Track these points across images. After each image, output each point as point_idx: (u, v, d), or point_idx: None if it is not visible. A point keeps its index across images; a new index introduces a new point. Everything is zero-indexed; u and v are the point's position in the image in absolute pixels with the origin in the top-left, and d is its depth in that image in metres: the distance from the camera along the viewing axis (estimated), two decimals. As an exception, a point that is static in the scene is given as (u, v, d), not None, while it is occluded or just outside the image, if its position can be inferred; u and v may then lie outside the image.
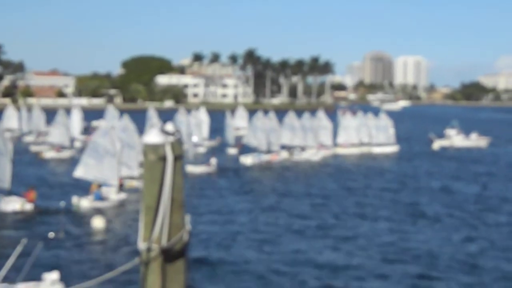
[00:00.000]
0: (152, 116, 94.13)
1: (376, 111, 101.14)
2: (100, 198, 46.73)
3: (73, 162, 63.50)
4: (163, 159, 8.98)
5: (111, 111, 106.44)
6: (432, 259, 33.12)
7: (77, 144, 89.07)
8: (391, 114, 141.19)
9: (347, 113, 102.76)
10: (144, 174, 9.14)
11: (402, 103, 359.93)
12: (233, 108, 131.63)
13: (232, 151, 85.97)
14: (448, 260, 33.00)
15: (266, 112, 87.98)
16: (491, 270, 31.40)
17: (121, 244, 35.46)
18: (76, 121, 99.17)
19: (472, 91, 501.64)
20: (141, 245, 9.16)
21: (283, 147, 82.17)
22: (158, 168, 9.00)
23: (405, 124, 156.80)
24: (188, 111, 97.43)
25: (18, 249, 21.38)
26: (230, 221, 42.46)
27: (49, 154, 79.40)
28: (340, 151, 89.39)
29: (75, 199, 46.03)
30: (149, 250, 9.11)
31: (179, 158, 9.11)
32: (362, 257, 33.61)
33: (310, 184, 60.55)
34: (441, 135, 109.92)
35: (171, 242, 9.13)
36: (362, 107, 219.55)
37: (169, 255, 9.23)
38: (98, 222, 39.17)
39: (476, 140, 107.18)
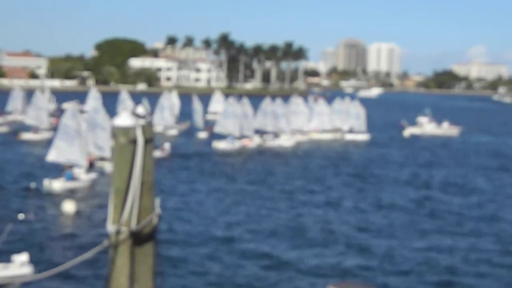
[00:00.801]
0: (125, 98, 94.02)
1: (351, 98, 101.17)
2: (71, 178, 47.02)
3: (50, 144, 63.21)
4: (134, 142, 8.94)
5: (93, 94, 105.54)
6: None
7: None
8: (366, 101, 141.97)
9: (319, 99, 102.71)
10: (114, 157, 9.10)
11: (377, 90, 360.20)
12: (206, 93, 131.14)
13: (202, 135, 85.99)
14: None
15: (239, 97, 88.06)
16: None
17: (90, 226, 35.42)
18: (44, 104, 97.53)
19: (444, 79, 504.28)
20: (110, 227, 9.13)
21: (257, 132, 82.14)
22: (128, 151, 8.95)
23: (379, 111, 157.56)
24: (159, 94, 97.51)
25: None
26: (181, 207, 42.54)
27: (26, 135, 79.05)
28: (313, 136, 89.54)
29: (46, 181, 46.16)
30: (118, 232, 9.08)
31: (149, 141, 9.07)
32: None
33: (270, 171, 60.61)
34: (413, 123, 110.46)
35: (140, 225, 9.10)
36: (335, 93, 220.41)
37: (138, 238, 9.20)
38: (69, 206, 38.97)
39: (447, 129, 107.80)
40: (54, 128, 64.24)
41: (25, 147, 71.57)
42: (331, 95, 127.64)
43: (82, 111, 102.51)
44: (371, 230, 37.05)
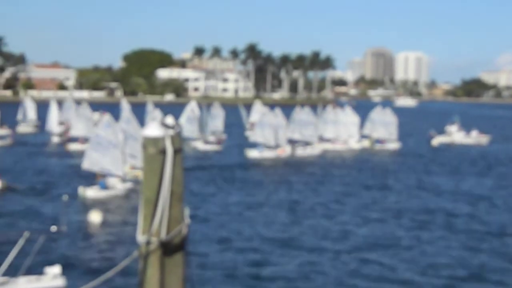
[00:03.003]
0: (151, 110, 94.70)
1: (382, 106, 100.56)
2: (105, 187, 47.79)
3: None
4: (163, 152, 8.97)
5: (125, 106, 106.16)
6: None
7: (55, 140, 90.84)
8: (405, 110, 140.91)
9: (337, 108, 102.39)
10: (143, 167, 9.13)
11: (412, 100, 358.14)
12: (233, 103, 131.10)
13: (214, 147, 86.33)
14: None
15: (271, 107, 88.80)
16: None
17: (121, 236, 35.53)
18: (55, 114, 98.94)
19: (473, 87, 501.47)
20: (140, 238, 9.15)
21: (289, 141, 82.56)
22: (157, 161, 8.97)
23: (418, 120, 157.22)
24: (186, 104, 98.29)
25: (20, 242, 21.38)
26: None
27: (73, 146, 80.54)
28: (343, 145, 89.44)
29: (81, 189, 47.28)
30: (148, 243, 9.09)
31: (178, 151, 9.09)
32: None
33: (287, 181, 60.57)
34: (442, 132, 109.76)
35: (170, 235, 9.11)
36: (362, 102, 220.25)
37: (168, 249, 9.21)
38: (95, 216, 39.24)
39: (476, 138, 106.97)
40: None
41: (71, 157, 72.11)
42: (356, 104, 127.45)
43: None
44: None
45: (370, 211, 45.17)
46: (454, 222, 41.98)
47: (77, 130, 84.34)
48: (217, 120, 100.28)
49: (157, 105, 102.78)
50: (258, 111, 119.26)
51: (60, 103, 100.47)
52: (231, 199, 48.88)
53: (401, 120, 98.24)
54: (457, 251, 34.50)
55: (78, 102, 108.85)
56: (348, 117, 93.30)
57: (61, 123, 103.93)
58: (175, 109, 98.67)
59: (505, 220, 43.16)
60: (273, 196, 50.58)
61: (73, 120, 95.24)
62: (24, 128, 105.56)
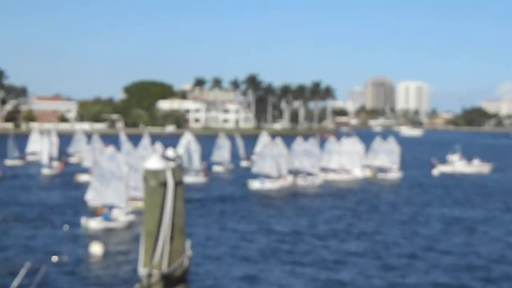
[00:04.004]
0: (146, 142, 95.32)
1: (382, 136, 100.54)
2: (108, 219, 47.74)
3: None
4: (164, 184, 8.98)
5: (123, 138, 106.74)
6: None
7: (45, 172, 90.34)
8: (411, 140, 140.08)
9: (328, 137, 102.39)
10: (144, 200, 9.16)
11: (416, 130, 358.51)
12: (234, 134, 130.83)
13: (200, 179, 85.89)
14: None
15: (272, 137, 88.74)
16: None
17: (123, 269, 35.42)
18: (47, 146, 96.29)
19: (474, 116, 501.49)
20: (142, 270, 9.17)
21: (290, 172, 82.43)
22: (158, 194, 8.99)
23: (422, 149, 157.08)
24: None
25: (21, 273, 21.35)
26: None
27: (82, 177, 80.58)
28: (345, 175, 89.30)
29: (83, 220, 47.18)
30: (149, 275, 9.11)
31: (179, 183, 9.12)
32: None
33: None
34: (444, 161, 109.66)
35: (171, 267, 9.12)
36: (363, 132, 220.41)
37: (169, 281, 9.20)
38: (96, 248, 39.14)
39: (478, 166, 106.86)
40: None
41: (79, 189, 72.05)
42: (355, 134, 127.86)
43: (65, 156, 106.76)
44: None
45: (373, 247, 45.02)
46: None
47: (89, 161, 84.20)
48: (223, 150, 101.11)
49: (158, 137, 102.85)
50: (264, 142, 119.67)
51: (60, 135, 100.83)
52: (234, 233, 48.74)
53: (406, 149, 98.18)
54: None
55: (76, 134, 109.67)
56: (352, 147, 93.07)
57: (71, 155, 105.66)
58: (176, 141, 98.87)
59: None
60: (275, 227, 50.50)
61: (83, 152, 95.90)
62: (12, 161, 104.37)
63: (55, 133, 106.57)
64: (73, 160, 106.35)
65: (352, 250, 42.08)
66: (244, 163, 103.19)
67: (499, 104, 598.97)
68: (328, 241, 45.02)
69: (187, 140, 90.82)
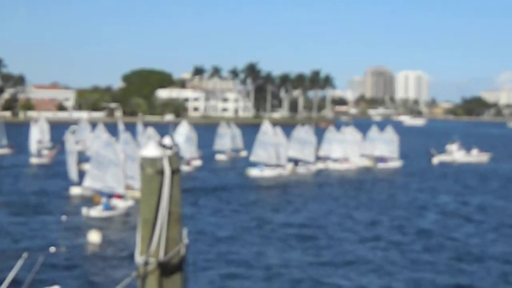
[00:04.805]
0: (140, 131, 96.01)
1: (379, 126, 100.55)
2: (108, 208, 47.98)
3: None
4: (161, 172, 8.98)
5: (121, 127, 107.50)
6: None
7: (34, 161, 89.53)
8: (414, 129, 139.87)
9: (328, 126, 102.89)
10: (141, 187, 9.14)
11: (418, 120, 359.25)
12: (233, 123, 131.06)
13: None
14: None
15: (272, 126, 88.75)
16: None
17: (120, 257, 35.54)
18: (35, 135, 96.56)
19: (473, 106, 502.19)
20: (138, 258, 9.15)
21: (290, 160, 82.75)
22: (155, 182, 8.98)
23: (424, 139, 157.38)
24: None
25: (19, 263, 21.35)
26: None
27: (87, 166, 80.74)
28: (344, 164, 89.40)
29: (84, 209, 47.49)
30: (146, 264, 9.10)
31: (176, 171, 9.11)
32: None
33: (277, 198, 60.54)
34: (443, 150, 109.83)
35: (168, 255, 9.12)
36: (363, 121, 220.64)
37: (166, 269, 9.20)
38: (94, 237, 39.20)
39: (477, 156, 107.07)
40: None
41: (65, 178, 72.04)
42: (353, 123, 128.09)
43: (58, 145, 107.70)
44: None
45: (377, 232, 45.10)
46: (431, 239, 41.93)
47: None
48: (225, 139, 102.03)
49: (157, 125, 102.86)
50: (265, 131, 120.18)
51: (58, 124, 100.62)
52: (233, 223, 48.81)
53: (409, 138, 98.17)
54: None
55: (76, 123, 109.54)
56: (351, 136, 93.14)
57: (76, 142, 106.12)
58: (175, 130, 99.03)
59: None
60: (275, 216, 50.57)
61: (88, 140, 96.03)
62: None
63: (45, 121, 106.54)
64: (77, 148, 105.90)
65: (354, 244, 42.12)
66: (243, 153, 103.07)
67: (499, 93, 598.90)
68: (326, 231, 45.07)
69: (185, 129, 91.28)
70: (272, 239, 41.35)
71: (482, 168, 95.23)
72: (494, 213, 54.18)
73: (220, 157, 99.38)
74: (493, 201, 61.05)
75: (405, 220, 49.63)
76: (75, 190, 56.84)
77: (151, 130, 79.00)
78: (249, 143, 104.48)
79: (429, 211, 54.94)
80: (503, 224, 48.73)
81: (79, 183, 55.67)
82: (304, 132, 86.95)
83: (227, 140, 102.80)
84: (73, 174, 58.95)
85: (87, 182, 50.34)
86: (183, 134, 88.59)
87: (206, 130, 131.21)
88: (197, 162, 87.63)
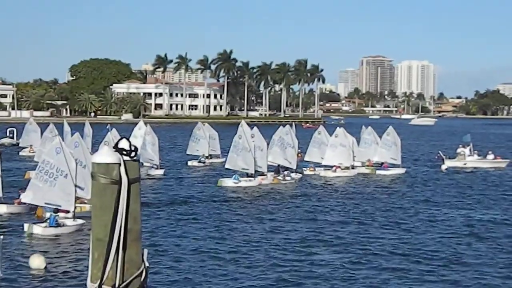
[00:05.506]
0: (88, 133, 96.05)
1: (381, 125, 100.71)
2: (56, 224, 47.25)
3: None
4: (116, 182, 8.82)
5: (67, 128, 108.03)
6: None
7: None
8: (421, 129, 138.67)
9: (310, 127, 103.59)
10: (92, 200, 9.05)
11: (428, 119, 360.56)
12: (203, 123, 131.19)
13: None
14: None
15: (250, 127, 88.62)
16: None
17: (69, 285, 35.34)
18: None
19: (489, 102, 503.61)
20: (90, 286, 9.08)
21: (270, 167, 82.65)
22: (110, 193, 8.84)
23: (433, 140, 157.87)
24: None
25: None
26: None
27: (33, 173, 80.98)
28: (338, 171, 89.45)
29: (26, 226, 46.95)
30: (99, 292, 9.03)
31: (135, 181, 8.97)
32: None
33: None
34: (452, 154, 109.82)
35: (126, 282, 9.04)
36: (357, 120, 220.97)
37: (123, 298, 9.12)
38: (37, 261, 38.81)
39: (493, 162, 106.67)
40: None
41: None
42: (344, 122, 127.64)
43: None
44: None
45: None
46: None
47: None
48: (202, 142, 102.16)
49: (113, 126, 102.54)
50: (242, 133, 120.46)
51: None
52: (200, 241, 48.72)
53: (414, 141, 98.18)
54: None
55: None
56: (345, 139, 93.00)
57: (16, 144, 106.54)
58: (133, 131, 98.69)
59: None
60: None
61: (37, 144, 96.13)
62: None
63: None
64: (24, 154, 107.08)
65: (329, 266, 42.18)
66: (219, 159, 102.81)
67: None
68: (309, 250, 45.08)
69: (144, 131, 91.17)
70: (243, 263, 41.27)
71: (498, 175, 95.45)
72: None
73: (192, 163, 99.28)
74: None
75: (399, 240, 49.66)
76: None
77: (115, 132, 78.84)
78: (223, 147, 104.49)
79: (430, 228, 54.93)
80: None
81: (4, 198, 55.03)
82: (284, 134, 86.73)
83: (204, 144, 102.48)
84: None
85: (27, 196, 49.47)
86: (141, 137, 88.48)
87: (170, 131, 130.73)
88: (159, 171, 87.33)
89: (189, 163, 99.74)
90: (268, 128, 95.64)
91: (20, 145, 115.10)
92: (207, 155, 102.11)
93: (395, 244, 47.20)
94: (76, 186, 51.19)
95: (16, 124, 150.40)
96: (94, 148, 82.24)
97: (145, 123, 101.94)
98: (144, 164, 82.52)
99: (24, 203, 52.68)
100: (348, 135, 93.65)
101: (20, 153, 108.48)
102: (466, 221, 57.79)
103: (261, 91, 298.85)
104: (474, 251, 45.58)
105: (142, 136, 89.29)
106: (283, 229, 52.73)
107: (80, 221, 49.29)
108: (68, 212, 50.17)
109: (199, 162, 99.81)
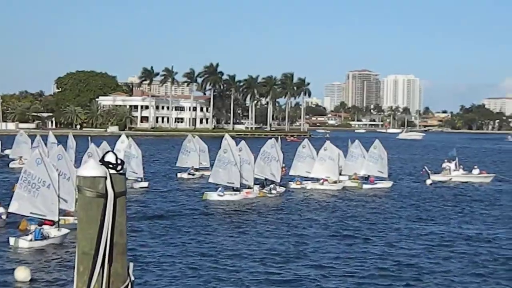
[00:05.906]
0: (71, 145, 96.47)
1: (368, 139, 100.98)
2: (40, 237, 47.11)
3: None
4: (102, 195, 8.87)
5: (52, 139, 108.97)
6: None
7: None
8: (412, 143, 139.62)
9: (294, 140, 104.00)
10: (78, 214, 9.05)
11: (415, 134, 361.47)
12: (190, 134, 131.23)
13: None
14: None
15: (236, 140, 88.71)
16: None
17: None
18: None
19: (474, 116, 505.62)
20: (75, 300, 9.08)
21: (257, 180, 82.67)
22: (96, 207, 8.89)
23: (419, 154, 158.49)
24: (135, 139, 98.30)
25: None
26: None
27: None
28: (324, 185, 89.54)
29: (12, 239, 46.70)
30: (84, 306, 9.03)
31: (121, 194, 9.01)
32: None
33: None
34: (438, 169, 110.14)
35: (111, 296, 9.06)
36: (345, 134, 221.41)
37: (108, 312, 9.13)
38: (22, 274, 38.66)
39: (478, 176, 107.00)
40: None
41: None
42: (330, 136, 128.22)
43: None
44: None
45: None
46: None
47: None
48: (192, 155, 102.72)
49: (98, 139, 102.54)
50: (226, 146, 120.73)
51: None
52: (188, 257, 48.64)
53: (405, 155, 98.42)
54: None
55: None
56: (331, 152, 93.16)
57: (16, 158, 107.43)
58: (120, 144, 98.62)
59: None
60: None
61: (28, 156, 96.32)
62: None
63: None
64: (14, 165, 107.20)
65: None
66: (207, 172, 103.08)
67: (504, 102, 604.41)
68: (294, 264, 45.05)
69: (126, 144, 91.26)
70: (226, 277, 41.25)
71: (484, 190, 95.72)
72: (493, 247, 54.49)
73: (182, 175, 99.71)
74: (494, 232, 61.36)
75: (382, 255, 49.73)
76: None
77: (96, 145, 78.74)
78: (213, 160, 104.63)
79: (411, 243, 54.99)
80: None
81: None
82: (269, 147, 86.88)
83: (194, 156, 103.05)
84: None
85: (13, 206, 49.57)
86: (123, 151, 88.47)
87: (156, 144, 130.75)
88: (143, 183, 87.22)
89: (179, 175, 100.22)
90: (254, 141, 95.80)
91: (10, 156, 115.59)
92: (196, 167, 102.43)
93: (378, 259, 47.25)
94: (59, 197, 51.23)
95: (1, 136, 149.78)
96: (78, 161, 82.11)
97: (128, 136, 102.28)
98: (128, 177, 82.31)
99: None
100: (334, 148, 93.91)
101: (10, 165, 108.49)
102: (448, 236, 57.92)
103: (247, 104, 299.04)
104: (454, 266, 45.68)
105: (125, 150, 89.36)
106: (266, 243, 52.75)
107: (64, 231, 49.10)
108: (53, 223, 50.10)
109: (189, 174, 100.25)
